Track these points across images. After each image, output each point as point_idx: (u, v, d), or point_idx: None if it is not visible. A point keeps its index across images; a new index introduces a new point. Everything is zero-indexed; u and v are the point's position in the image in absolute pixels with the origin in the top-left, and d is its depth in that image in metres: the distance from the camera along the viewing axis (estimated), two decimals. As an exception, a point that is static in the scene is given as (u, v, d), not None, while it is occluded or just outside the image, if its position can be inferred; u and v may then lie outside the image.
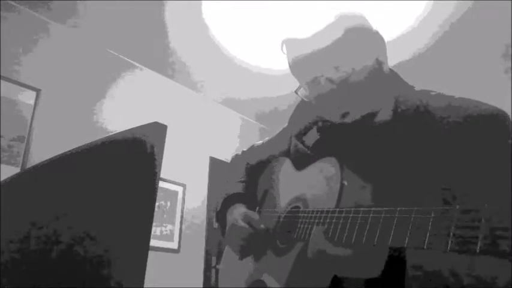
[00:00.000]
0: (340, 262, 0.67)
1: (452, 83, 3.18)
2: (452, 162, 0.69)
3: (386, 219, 0.59)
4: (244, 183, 1.13)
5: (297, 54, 0.82)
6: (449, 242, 0.49)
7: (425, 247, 0.52)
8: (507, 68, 3.13)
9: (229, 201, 1.09)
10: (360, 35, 0.80)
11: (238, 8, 2.66)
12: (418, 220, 0.55)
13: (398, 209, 0.58)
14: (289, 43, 0.84)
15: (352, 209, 0.67)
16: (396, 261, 0.64)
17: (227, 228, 1.03)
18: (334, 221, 0.70)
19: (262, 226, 0.94)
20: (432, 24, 2.76)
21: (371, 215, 0.62)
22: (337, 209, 0.71)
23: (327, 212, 0.73)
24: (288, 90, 0.87)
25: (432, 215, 0.53)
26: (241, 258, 0.98)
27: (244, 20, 2.78)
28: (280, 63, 3.15)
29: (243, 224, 0.96)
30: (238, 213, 1.00)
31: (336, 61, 0.78)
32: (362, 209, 0.65)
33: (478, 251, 0.45)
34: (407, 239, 0.55)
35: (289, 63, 0.86)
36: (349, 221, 0.66)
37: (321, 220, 0.73)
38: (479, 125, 0.70)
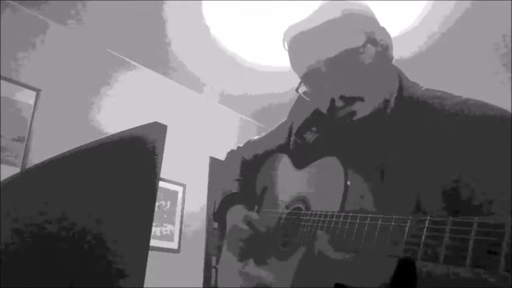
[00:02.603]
0: (345, 270, 0.64)
1: (453, 82, 3.18)
2: (459, 164, 0.67)
3: (397, 227, 0.56)
4: (241, 181, 1.11)
5: (298, 50, 0.80)
6: (468, 258, 0.45)
7: (441, 262, 0.48)
8: (506, 66, 3.13)
9: (228, 201, 1.07)
10: (362, 23, 0.77)
11: (235, 6, 2.66)
12: (431, 231, 0.51)
13: (410, 217, 0.55)
14: (291, 41, 0.82)
15: (359, 214, 0.64)
16: (406, 272, 0.62)
17: (227, 230, 1.02)
18: (339, 226, 0.67)
19: (263, 228, 0.92)
20: (432, 23, 2.76)
21: (379, 222, 0.59)
22: (343, 214, 0.68)
23: (332, 216, 0.70)
24: (287, 88, 0.86)
25: (448, 226, 0.49)
26: (240, 260, 0.97)
27: (245, 19, 2.78)
28: (278, 61, 3.16)
29: (244, 226, 0.94)
30: (238, 214, 0.98)
31: (338, 56, 0.75)
32: (370, 215, 0.62)
33: (500, 270, 0.42)
34: (420, 251, 0.52)
35: (290, 60, 0.84)
36: (355, 227, 0.63)
37: (325, 224, 0.70)
38: (487, 127, 0.68)
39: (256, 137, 1.17)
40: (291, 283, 0.76)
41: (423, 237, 0.52)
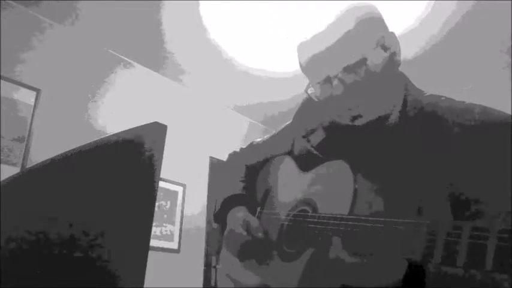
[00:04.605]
0: (356, 273, 0.65)
1: (454, 83, 3.19)
2: (464, 169, 0.67)
3: (406, 231, 0.58)
4: (244, 182, 1.10)
5: (308, 53, 0.80)
6: (463, 258, 0.48)
7: (440, 262, 0.51)
8: (507, 67, 3.13)
9: (229, 202, 1.06)
10: (372, 27, 0.77)
11: (246, 11, 2.66)
12: (431, 235, 0.54)
13: (427, 222, 0.56)
14: (304, 50, 0.82)
15: (370, 218, 0.65)
16: (415, 274, 0.63)
17: (225, 232, 1.01)
18: (349, 229, 0.68)
19: (260, 235, 0.91)
20: (432, 24, 2.76)
21: (393, 226, 0.60)
22: (355, 217, 0.69)
23: (342, 219, 0.70)
24: (293, 92, 0.86)
25: (446, 230, 0.52)
26: (241, 261, 0.97)
27: (253, 24, 2.78)
28: (284, 66, 3.16)
29: (241, 230, 0.94)
30: (237, 217, 0.98)
31: (348, 60, 0.75)
32: (382, 219, 0.63)
33: (489, 268, 0.45)
34: (422, 253, 0.54)
35: (300, 62, 0.84)
36: (368, 230, 0.64)
37: (336, 227, 0.71)
38: (492, 132, 0.69)
39: (259, 139, 1.16)
40: (297, 284, 0.76)
41: (438, 241, 0.53)
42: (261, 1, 2.57)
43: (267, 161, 1.08)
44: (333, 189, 0.79)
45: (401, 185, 0.70)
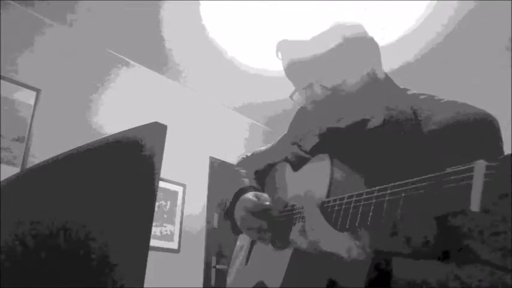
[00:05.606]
0: (323, 266, 0.68)
1: (454, 83, 3.19)
2: (440, 164, 0.68)
3: (375, 203, 0.62)
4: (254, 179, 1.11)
5: (292, 59, 0.83)
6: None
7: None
8: (507, 68, 3.13)
9: (240, 194, 1.04)
10: (355, 44, 0.80)
11: (247, 10, 2.66)
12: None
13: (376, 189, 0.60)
14: (284, 47, 0.84)
15: (332, 198, 0.70)
16: (382, 270, 0.64)
17: (238, 215, 0.99)
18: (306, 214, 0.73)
19: (268, 203, 0.91)
20: (433, 25, 2.76)
21: (353, 204, 0.65)
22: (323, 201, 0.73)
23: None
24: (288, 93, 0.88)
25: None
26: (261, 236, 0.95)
27: (253, 23, 2.78)
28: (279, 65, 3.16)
29: (253, 200, 0.93)
30: (246, 197, 0.97)
31: (331, 69, 0.79)
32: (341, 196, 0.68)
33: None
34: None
35: (284, 68, 0.87)
36: (329, 210, 0.70)
37: (300, 215, 0.78)
38: (469, 129, 0.70)
39: (258, 149, 1.19)
40: (284, 277, 0.78)
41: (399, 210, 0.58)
42: (262, 1, 2.57)
43: (268, 169, 1.10)
44: (315, 180, 0.82)
45: (381, 177, 0.71)
